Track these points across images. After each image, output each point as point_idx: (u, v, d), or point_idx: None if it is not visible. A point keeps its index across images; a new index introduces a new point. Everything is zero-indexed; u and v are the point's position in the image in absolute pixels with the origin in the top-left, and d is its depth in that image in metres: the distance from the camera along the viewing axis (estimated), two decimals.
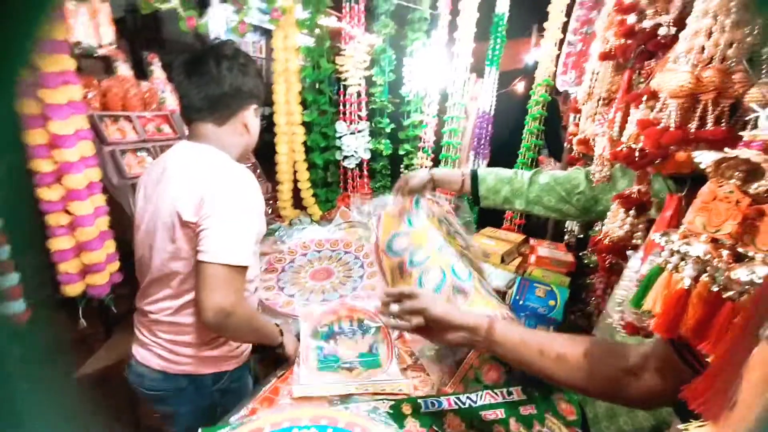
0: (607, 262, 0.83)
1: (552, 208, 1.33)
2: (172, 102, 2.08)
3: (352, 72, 2.26)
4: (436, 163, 2.43)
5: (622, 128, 0.80)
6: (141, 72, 2.07)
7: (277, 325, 1.20)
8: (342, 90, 2.31)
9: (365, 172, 2.46)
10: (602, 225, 0.91)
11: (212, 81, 1.02)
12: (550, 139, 2.46)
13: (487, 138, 2.48)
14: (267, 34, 2.90)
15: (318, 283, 1.62)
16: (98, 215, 1.44)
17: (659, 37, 0.76)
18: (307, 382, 1.02)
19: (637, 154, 0.69)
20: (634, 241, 0.76)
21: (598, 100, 1.31)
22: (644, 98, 0.68)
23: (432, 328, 0.74)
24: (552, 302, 1.60)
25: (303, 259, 1.75)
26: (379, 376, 1.07)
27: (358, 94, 2.32)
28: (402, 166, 2.50)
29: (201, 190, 0.97)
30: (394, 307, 0.76)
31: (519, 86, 2.85)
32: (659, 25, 0.75)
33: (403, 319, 0.75)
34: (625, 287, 0.73)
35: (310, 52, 2.18)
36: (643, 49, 0.79)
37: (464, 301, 0.96)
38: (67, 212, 1.35)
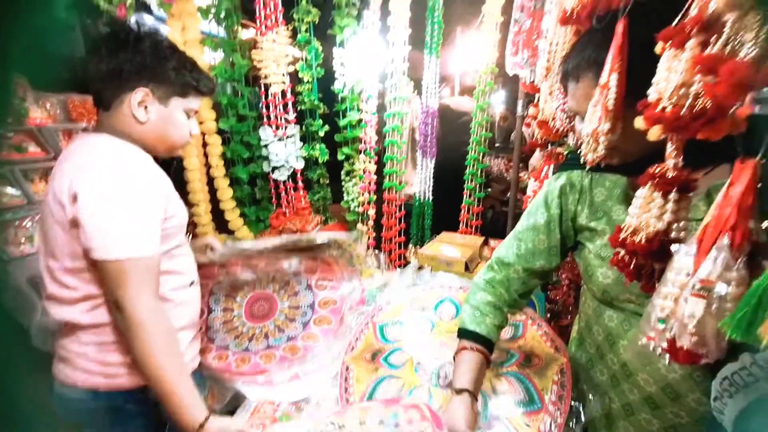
0: (636, 267, 0.59)
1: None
2: (38, 113, 1.62)
3: (272, 69, 1.92)
4: (380, 165, 2.16)
5: (620, 91, 0.61)
6: None
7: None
8: (263, 90, 1.97)
9: (300, 184, 2.13)
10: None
11: (92, 60, 0.95)
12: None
13: (434, 135, 2.26)
14: None
15: (258, 325, 1.30)
16: None
17: None
18: None
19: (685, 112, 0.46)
20: (674, 233, 0.53)
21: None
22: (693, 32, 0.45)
23: None
24: None
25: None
26: None
27: (283, 94, 1.99)
28: (342, 172, 2.20)
29: (72, 180, 0.88)
30: None
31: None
32: None
33: None
34: (670, 295, 0.50)
35: (218, 45, 1.81)
36: None
37: None
38: None
